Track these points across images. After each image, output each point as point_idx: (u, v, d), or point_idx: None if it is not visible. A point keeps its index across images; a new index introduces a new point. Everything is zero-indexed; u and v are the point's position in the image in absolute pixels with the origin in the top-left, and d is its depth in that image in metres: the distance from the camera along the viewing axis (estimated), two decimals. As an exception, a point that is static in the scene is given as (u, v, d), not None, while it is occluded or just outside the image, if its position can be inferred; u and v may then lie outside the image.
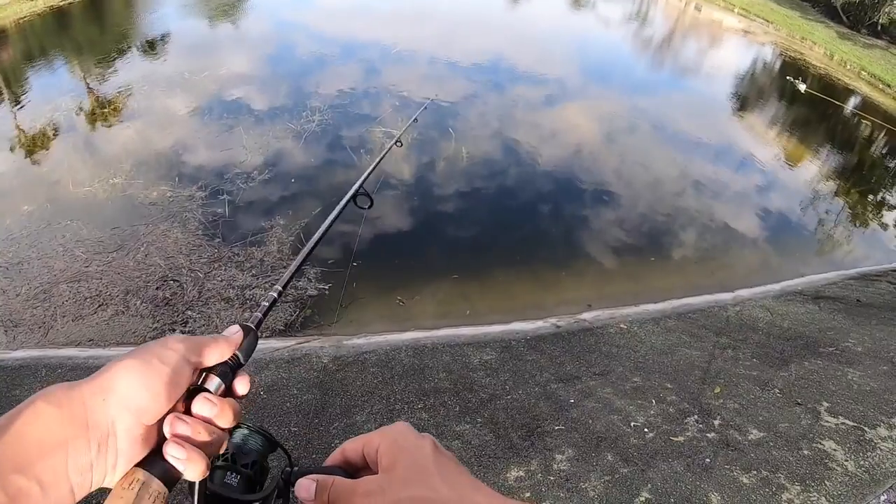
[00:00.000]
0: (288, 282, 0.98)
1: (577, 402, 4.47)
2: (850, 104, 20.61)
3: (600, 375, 4.89)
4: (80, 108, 9.33)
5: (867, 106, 20.76)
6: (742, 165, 11.57)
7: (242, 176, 7.67)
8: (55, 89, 10.08)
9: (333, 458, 0.70)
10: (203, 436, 0.62)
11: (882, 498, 3.44)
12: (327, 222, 1.18)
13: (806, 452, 3.79)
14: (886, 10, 31.91)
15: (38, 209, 6.86)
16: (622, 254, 7.73)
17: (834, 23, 34.74)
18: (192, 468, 0.60)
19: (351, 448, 0.69)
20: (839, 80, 23.74)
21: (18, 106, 9.50)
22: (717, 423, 4.19)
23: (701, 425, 4.16)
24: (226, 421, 0.65)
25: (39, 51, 12.08)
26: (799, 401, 4.45)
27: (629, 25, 24.63)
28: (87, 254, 6.21)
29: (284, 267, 5.99)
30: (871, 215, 11.29)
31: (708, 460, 3.76)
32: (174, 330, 5.31)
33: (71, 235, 6.44)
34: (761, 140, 13.22)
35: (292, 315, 5.64)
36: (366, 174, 1.59)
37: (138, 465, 0.59)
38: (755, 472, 3.65)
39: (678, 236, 8.42)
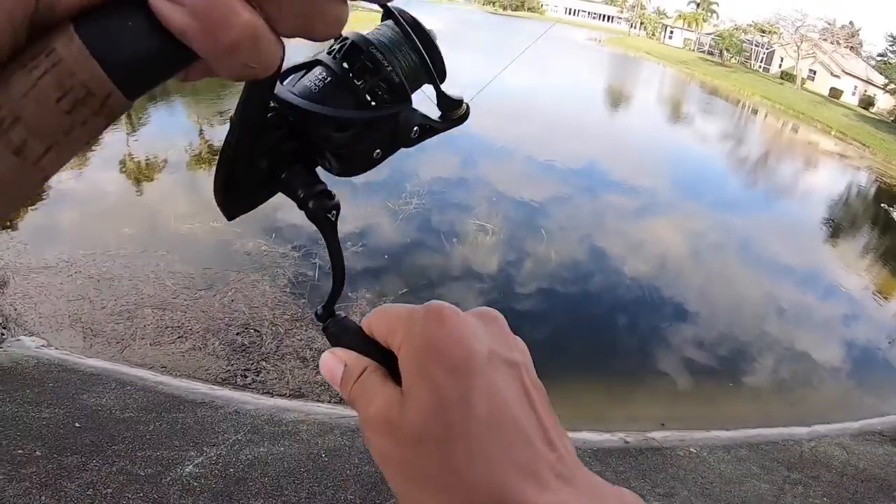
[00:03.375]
0: None
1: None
2: None
3: (665, 497, 4.77)
4: (192, 149, 9.87)
5: None
6: (829, 294, 11.27)
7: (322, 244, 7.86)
8: (171, 128, 10.70)
9: (366, 325, 0.49)
10: None
11: None
12: None
13: None
14: None
15: (138, 233, 7.29)
16: (697, 374, 7.55)
17: None
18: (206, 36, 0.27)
19: (376, 331, 0.48)
20: None
21: (134, 137, 10.15)
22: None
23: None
24: None
25: (161, 90, 12.89)
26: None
27: (725, 142, 24.64)
28: (177, 286, 6.53)
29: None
30: None
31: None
32: (246, 377, 5.43)
33: (164, 265, 6.80)
34: (851, 269, 12.88)
35: None
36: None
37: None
38: None
39: (757, 362, 8.19)
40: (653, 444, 5.68)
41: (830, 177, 24.48)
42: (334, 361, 0.48)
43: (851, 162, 28.53)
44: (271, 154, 0.46)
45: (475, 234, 9.08)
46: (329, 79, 0.46)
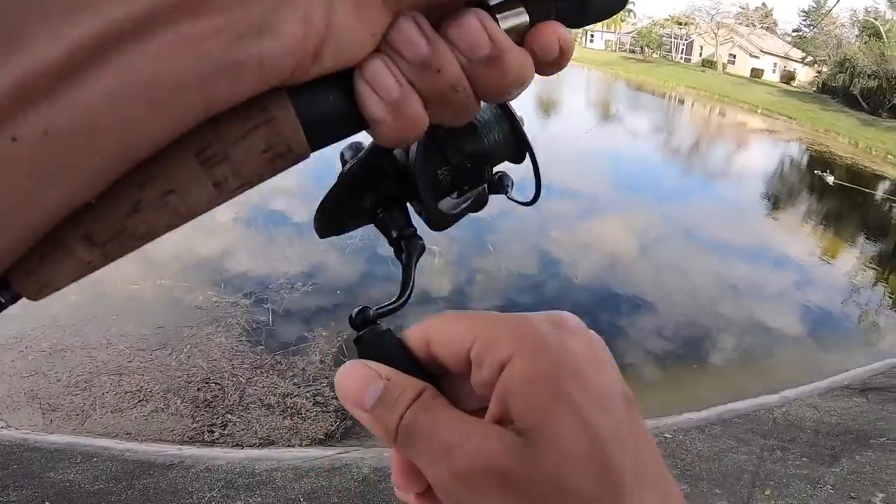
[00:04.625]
0: None
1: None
2: (881, 190, 20.75)
3: (646, 487, 4.75)
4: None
5: None
6: (778, 264, 11.52)
7: (286, 286, 7.82)
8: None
9: (414, 338, 0.39)
10: (447, 74, 0.32)
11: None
12: None
13: (865, 547, 3.63)
14: None
15: (85, 300, 7.08)
16: (663, 362, 7.61)
17: (854, 111, 35.25)
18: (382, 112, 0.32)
19: (445, 342, 0.36)
20: (866, 167, 23.99)
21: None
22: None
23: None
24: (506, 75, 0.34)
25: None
26: (853, 494, 4.30)
27: (657, 135, 25.13)
28: (131, 349, 6.36)
29: (327, 377, 6.04)
30: None
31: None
32: (213, 432, 5.33)
33: (116, 329, 6.63)
34: (795, 237, 13.22)
35: (333, 425, 5.62)
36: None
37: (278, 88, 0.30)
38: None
39: (719, 341, 8.30)
40: (627, 437, 5.68)
41: (763, 153, 25.16)
42: (366, 375, 0.36)
43: (781, 136, 29.32)
44: (377, 195, 0.50)
45: (424, 259, 9.02)
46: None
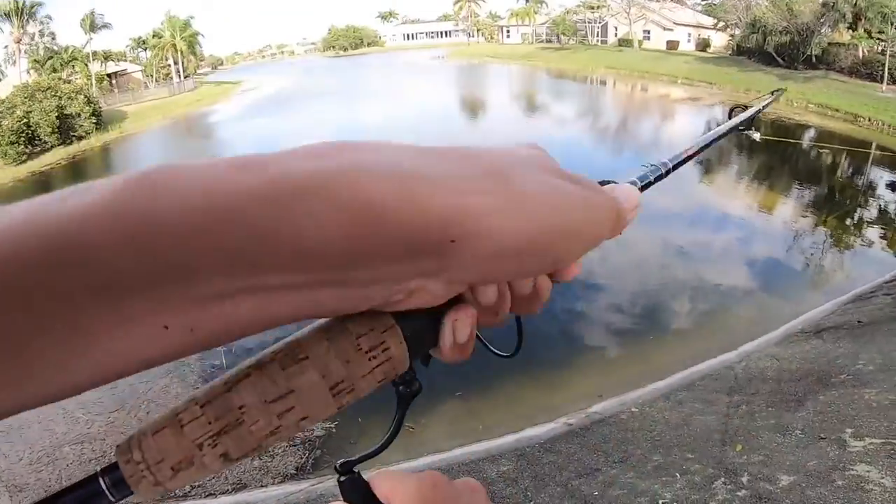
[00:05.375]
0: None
1: (601, 494, 4.34)
2: (807, 138, 21.45)
3: (620, 462, 4.76)
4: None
5: (822, 135, 21.77)
6: (720, 224, 11.81)
7: None
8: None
9: (382, 489, 0.42)
10: (503, 316, 0.42)
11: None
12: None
13: (840, 483, 3.62)
14: (816, 41, 33.33)
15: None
16: (622, 338, 7.71)
17: (771, 67, 36.21)
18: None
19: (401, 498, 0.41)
20: (790, 119, 24.84)
21: None
22: (745, 479, 4.03)
23: (730, 486, 4.00)
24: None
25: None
26: (822, 435, 4.30)
27: (584, 119, 25.48)
28: (88, 415, 6.22)
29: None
30: (853, 237, 11.56)
31: (746, 521, 3.59)
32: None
33: (69, 399, 6.37)
34: (732, 196, 13.50)
35: (302, 457, 5.58)
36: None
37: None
38: (794, 518, 3.47)
39: (674, 308, 8.40)
40: (595, 417, 5.71)
41: (689, 120, 25.80)
42: None
43: (704, 101, 30.08)
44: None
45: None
46: None
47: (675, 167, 0.75)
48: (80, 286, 0.24)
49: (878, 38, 30.13)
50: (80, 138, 27.29)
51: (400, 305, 0.34)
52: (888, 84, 28.13)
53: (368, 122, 24.19)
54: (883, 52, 29.30)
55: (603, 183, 0.49)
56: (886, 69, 28.20)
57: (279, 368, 0.33)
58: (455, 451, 5.56)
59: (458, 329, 0.38)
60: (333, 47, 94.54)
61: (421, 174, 0.31)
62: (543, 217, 0.35)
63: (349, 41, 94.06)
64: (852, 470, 3.71)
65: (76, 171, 16.88)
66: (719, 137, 0.98)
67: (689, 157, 0.82)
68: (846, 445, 4.04)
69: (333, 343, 0.34)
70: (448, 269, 0.32)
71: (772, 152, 18.53)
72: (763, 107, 1.50)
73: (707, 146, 0.87)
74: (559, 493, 4.41)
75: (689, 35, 58.21)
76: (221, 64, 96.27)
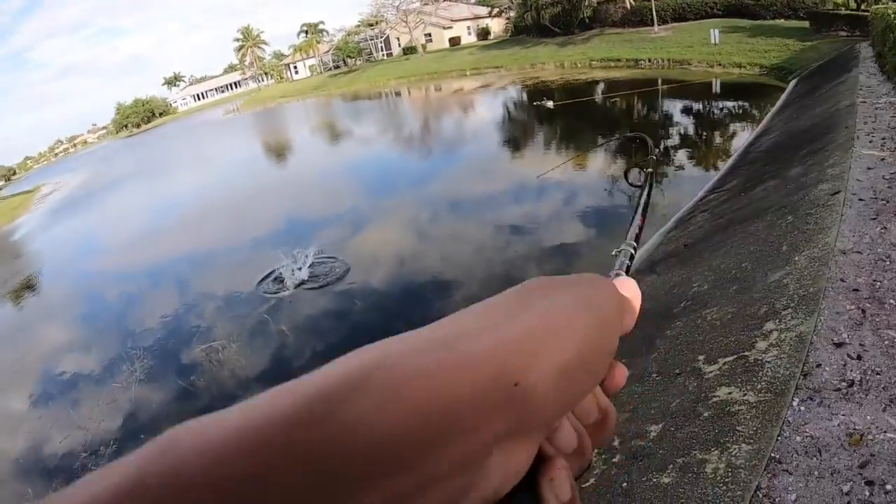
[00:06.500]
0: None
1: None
2: (598, 92, 22.66)
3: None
4: None
5: (611, 85, 23.07)
6: (541, 191, 12.02)
7: (91, 457, 6.85)
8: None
9: None
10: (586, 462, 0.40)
11: (795, 402, 3.11)
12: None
13: (706, 414, 3.42)
14: (587, 3, 35.65)
15: None
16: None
17: (550, 38, 38.54)
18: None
19: None
20: (578, 79, 26.38)
21: None
22: (616, 443, 3.76)
23: (603, 455, 3.71)
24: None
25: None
26: (677, 370, 4.12)
27: (387, 133, 25.56)
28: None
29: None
30: (665, 166, 12.06)
31: (625, 484, 3.30)
32: None
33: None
34: (544, 165, 13.73)
35: None
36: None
37: None
38: (671, 466, 3.21)
39: (524, 279, 8.26)
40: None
41: (488, 106, 26.60)
42: None
43: (496, 85, 31.16)
44: None
45: (208, 360, 8.17)
46: None
47: (637, 243, 0.77)
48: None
49: (640, -13, 32.69)
50: None
51: (490, 484, 0.31)
52: (659, 25, 30.32)
53: (180, 194, 23.07)
54: (648, -1, 31.56)
55: None
56: (654, 12, 30.40)
57: None
58: None
59: (559, 487, 0.35)
60: (126, 126, 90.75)
61: (465, 340, 0.31)
62: (580, 327, 0.35)
63: (140, 116, 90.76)
64: (715, 396, 3.52)
65: None
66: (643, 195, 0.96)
67: (641, 228, 0.83)
68: (702, 373, 3.87)
69: None
70: (522, 415, 0.31)
71: (569, 115, 19.27)
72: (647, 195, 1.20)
73: (644, 208, 0.88)
74: None
75: (469, 28, 60.35)
76: (14, 174, 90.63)
